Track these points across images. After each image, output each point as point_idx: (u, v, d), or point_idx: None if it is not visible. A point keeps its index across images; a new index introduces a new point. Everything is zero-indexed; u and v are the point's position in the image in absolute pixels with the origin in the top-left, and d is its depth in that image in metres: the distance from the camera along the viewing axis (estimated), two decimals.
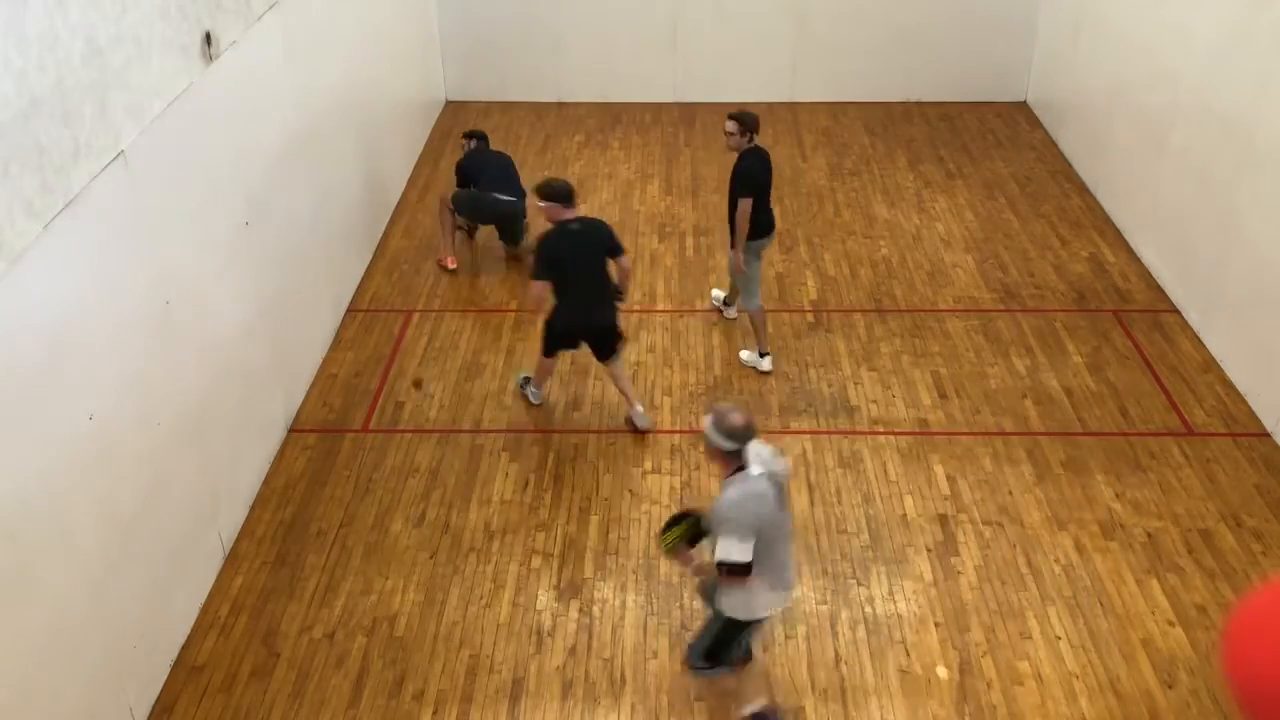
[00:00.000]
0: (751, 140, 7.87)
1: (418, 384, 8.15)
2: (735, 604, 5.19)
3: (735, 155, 7.97)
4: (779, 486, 5.07)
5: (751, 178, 7.87)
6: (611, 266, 7.42)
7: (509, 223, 9.72)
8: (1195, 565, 6.63)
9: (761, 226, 8.01)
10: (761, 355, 8.30)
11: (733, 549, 4.86)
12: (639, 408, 7.69)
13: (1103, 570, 6.59)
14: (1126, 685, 5.90)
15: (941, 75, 12.71)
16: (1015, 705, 5.80)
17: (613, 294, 7.45)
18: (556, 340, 7.62)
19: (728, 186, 8.01)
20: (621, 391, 7.71)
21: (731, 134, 7.87)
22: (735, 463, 4.96)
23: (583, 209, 7.68)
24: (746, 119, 7.85)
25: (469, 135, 9.89)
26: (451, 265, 9.69)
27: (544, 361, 7.77)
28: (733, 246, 7.99)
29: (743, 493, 4.91)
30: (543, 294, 7.28)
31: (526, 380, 7.99)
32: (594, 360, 8.51)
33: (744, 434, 4.89)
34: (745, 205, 7.80)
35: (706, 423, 4.93)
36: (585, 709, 5.81)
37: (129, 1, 5.47)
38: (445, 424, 7.81)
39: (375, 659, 6.08)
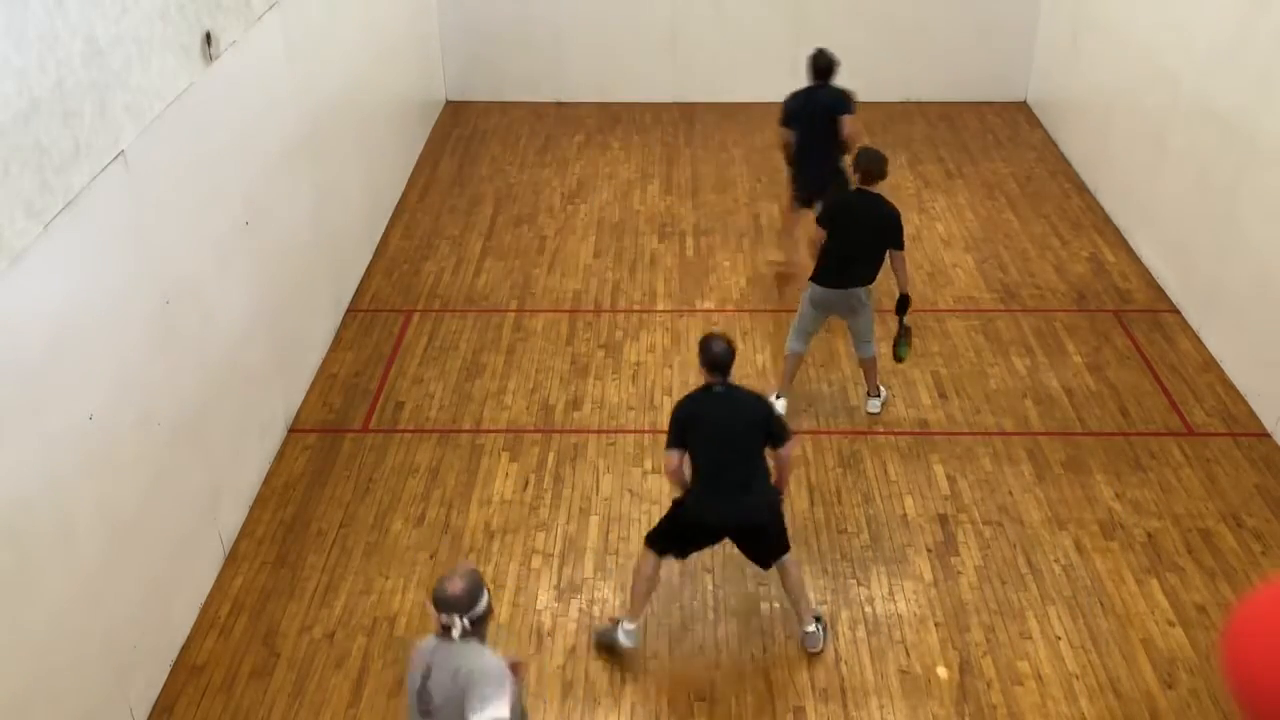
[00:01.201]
0: (873, 183, 7.27)
1: None
2: None
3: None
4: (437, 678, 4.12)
5: (832, 214, 7.40)
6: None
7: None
8: (1195, 565, 6.63)
9: (831, 274, 7.42)
10: (777, 397, 7.79)
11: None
12: (811, 629, 6.09)
13: (1103, 570, 6.59)
14: (1126, 685, 5.90)
15: (941, 75, 12.71)
16: (1015, 705, 5.80)
17: (766, 488, 5.85)
18: (676, 530, 5.92)
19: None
20: (793, 602, 6.12)
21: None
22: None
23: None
24: (866, 158, 7.31)
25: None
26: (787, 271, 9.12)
27: (642, 560, 5.97)
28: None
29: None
30: (678, 469, 5.79)
31: (613, 625, 6.08)
32: (594, 359, 8.51)
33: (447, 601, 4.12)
34: (818, 234, 7.41)
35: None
36: (585, 709, 5.81)
37: (129, 1, 5.47)
38: (445, 424, 7.81)
39: (375, 659, 6.08)
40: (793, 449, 5.90)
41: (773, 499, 5.88)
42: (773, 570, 6.58)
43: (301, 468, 7.42)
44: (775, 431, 5.77)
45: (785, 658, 6.08)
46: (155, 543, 5.81)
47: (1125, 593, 6.45)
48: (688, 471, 5.82)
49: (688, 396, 5.89)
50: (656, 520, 6.83)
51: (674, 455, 5.75)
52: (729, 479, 5.74)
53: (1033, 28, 12.38)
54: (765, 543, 5.94)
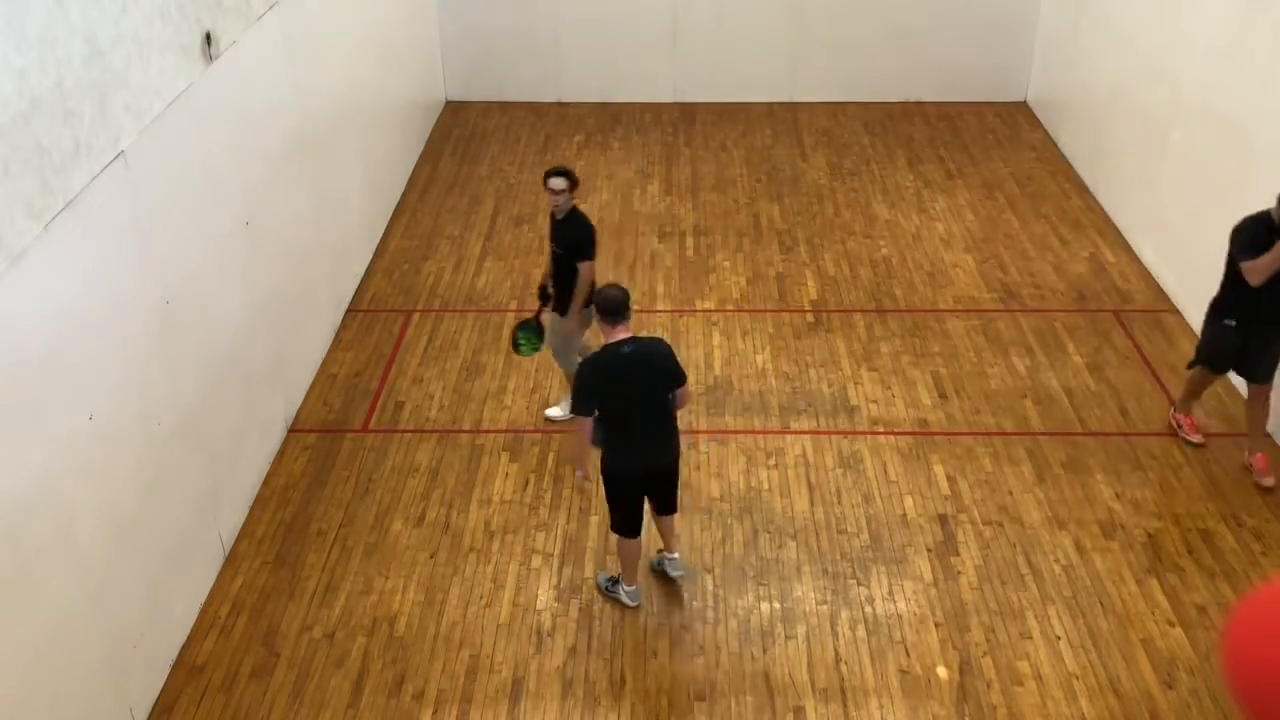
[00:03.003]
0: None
1: None
2: None
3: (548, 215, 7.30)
4: None
5: (595, 239, 7.23)
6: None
7: None
8: (1195, 565, 6.63)
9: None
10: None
11: None
12: (676, 555, 6.55)
13: (1103, 570, 6.59)
14: (1126, 685, 5.90)
15: (941, 75, 12.71)
16: (1015, 705, 5.80)
17: (675, 432, 6.15)
18: (620, 497, 6.14)
19: (556, 248, 7.28)
20: (663, 536, 6.51)
21: (562, 192, 7.03)
22: None
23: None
24: (575, 174, 7.14)
25: None
26: (1196, 437, 7.55)
27: (621, 544, 6.28)
28: (564, 312, 7.32)
29: None
30: (587, 435, 5.97)
31: (613, 581, 6.44)
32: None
33: None
34: (591, 269, 7.15)
35: None
36: (585, 709, 5.81)
37: (129, 1, 5.47)
38: (445, 424, 7.81)
39: (375, 659, 6.08)
40: (686, 388, 6.10)
41: (678, 447, 6.21)
42: (773, 570, 6.60)
43: (301, 468, 7.41)
44: (677, 372, 6.02)
45: (785, 658, 6.08)
46: (155, 543, 5.81)
47: (1125, 593, 6.45)
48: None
49: (597, 360, 5.96)
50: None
51: (586, 422, 5.93)
52: (652, 430, 6.02)
53: (1033, 28, 12.38)
54: (671, 489, 6.27)
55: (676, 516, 6.48)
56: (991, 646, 6.12)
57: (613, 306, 5.85)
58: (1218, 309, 7.17)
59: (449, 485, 7.28)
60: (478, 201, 10.80)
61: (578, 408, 5.98)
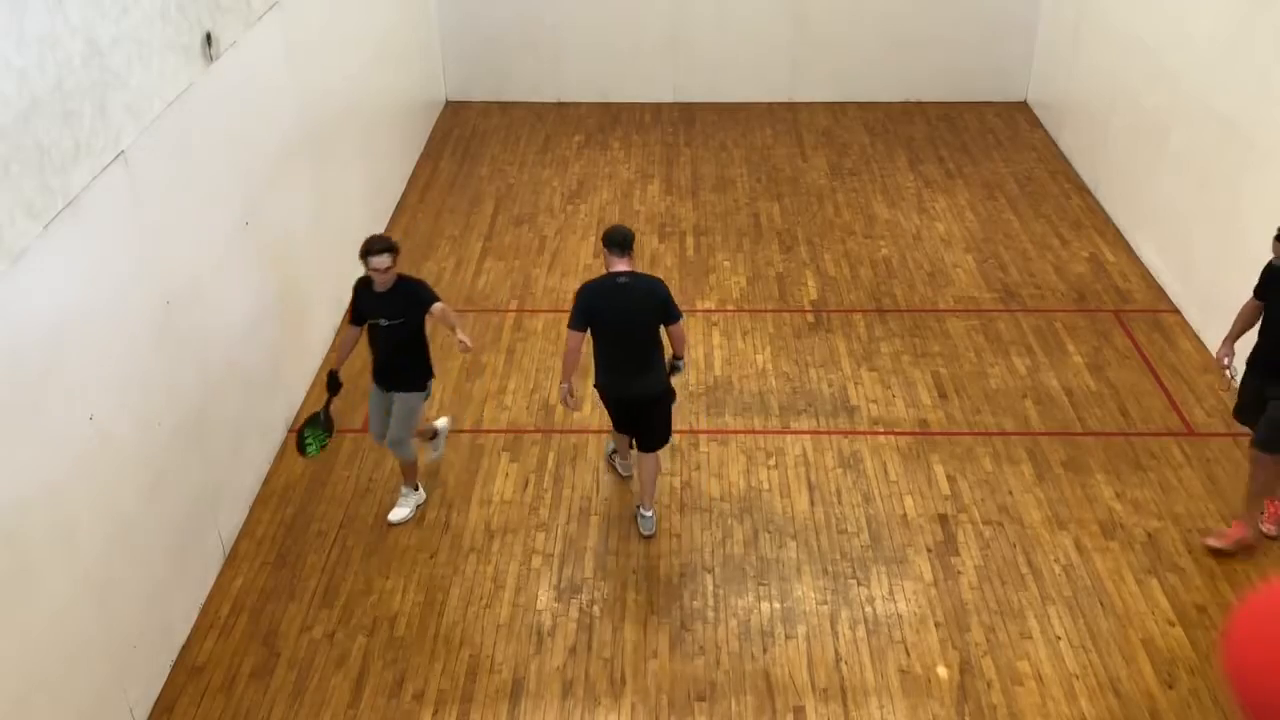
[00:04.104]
0: None
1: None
2: None
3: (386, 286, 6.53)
4: None
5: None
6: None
7: None
8: (1195, 565, 6.63)
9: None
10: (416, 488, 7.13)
11: None
12: (649, 513, 6.83)
13: (1103, 570, 6.59)
14: (1126, 685, 5.90)
15: (941, 75, 12.71)
16: (1015, 705, 5.80)
17: (662, 365, 6.61)
18: (609, 409, 6.80)
19: (385, 320, 6.61)
20: (641, 484, 6.86)
21: (390, 268, 6.41)
22: None
23: (623, 259, 6.38)
24: (397, 244, 6.54)
25: None
26: (1270, 528, 6.76)
27: (615, 433, 7.08)
28: (412, 388, 6.74)
29: None
30: (575, 347, 6.46)
31: (615, 451, 7.33)
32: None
33: None
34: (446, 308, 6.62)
35: None
36: (585, 709, 5.81)
37: (129, 2, 5.47)
38: None
39: (375, 659, 6.08)
40: (683, 324, 6.59)
41: (666, 377, 6.63)
42: (773, 570, 6.60)
43: (301, 468, 7.41)
44: (671, 311, 6.46)
45: (785, 658, 6.08)
46: (155, 543, 5.81)
47: (1125, 593, 6.45)
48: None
49: (593, 284, 6.48)
50: (657, 520, 6.82)
51: (575, 336, 6.42)
52: (631, 361, 6.50)
53: (1033, 28, 12.38)
54: (658, 418, 6.66)
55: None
56: (991, 646, 6.12)
57: (619, 239, 6.40)
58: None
59: (449, 485, 7.28)
60: (478, 201, 10.80)
61: (571, 323, 6.41)
